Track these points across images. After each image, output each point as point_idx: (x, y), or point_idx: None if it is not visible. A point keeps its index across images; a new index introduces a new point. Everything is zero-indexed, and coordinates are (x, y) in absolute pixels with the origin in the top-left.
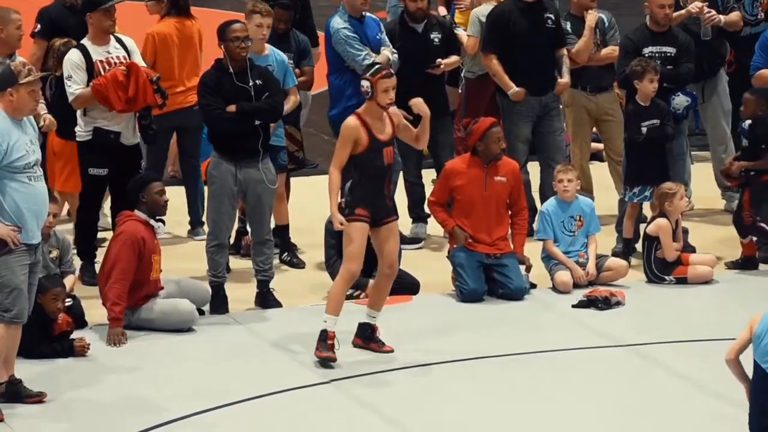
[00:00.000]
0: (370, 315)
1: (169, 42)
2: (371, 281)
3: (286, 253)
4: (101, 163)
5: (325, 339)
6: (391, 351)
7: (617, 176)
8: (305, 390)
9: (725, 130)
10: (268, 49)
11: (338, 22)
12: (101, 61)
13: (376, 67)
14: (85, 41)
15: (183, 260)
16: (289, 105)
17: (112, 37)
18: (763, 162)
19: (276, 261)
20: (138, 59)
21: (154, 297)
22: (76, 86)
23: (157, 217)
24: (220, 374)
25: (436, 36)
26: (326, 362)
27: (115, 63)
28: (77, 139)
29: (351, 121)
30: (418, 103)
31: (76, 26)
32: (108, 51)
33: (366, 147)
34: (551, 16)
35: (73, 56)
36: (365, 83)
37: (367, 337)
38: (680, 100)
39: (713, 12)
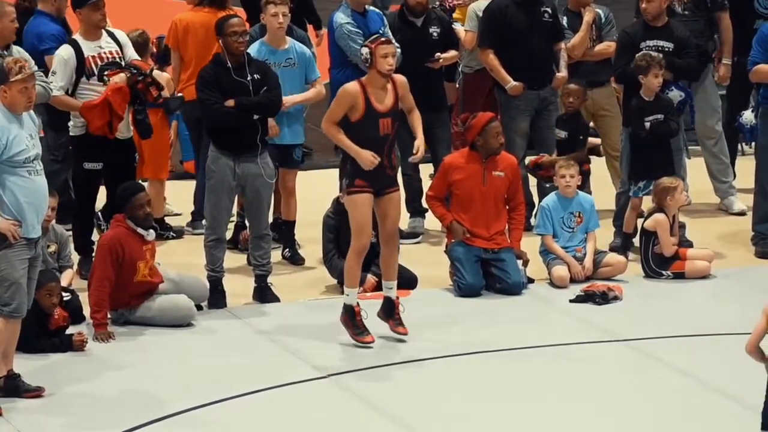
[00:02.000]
0: (387, 287)
1: (191, 30)
2: (369, 275)
3: (287, 249)
4: (96, 157)
5: (353, 317)
6: (405, 333)
7: (614, 171)
8: (303, 385)
9: (713, 125)
10: (289, 42)
11: (341, 17)
12: (93, 57)
13: (375, 35)
14: (76, 37)
15: (181, 255)
16: (311, 95)
17: (104, 31)
18: (578, 154)
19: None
20: (130, 52)
21: (151, 294)
22: (58, 83)
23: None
24: (218, 369)
25: (435, 30)
26: (366, 346)
27: (108, 58)
28: (70, 133)
29: (351, 85)
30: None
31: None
32: (100, 46)
33: (361, 115)
34: (548, 10)
35: (63, 52)
36: (365, 50)
37: (386, 312)
38: (674, 95)
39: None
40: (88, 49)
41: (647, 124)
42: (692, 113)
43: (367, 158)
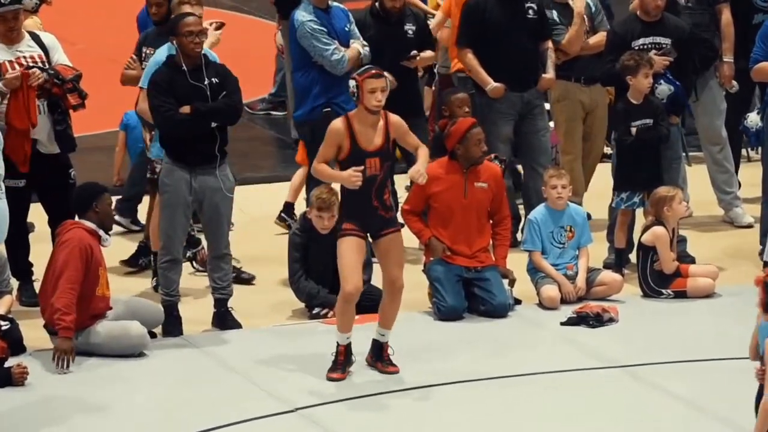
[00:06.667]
0: (380, 333)
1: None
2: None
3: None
4: (17, 173)
5: (337, 353)
6: (396, 372)
7: (588, 175)
8: (268, 419)
9: (719, 129)
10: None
11: (302, 15)
12: (10, 61)
13: (366, 66)
14: None
15: (132, 277)
16: None
17: (27, 35)
18: None
19: None
20: (59, 56)
21: (101, 318)
22: None
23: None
24: (174, 403)
25: (410, 28)
26: (330, 380)
27: (28, 62)
28: None
29: (337, 123)
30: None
31: None
32: (19, 50)
33: (347, 155)
34: (533, 5)
35: None
36: (351, 83)
37: (375, 355)
38: (662, 90)
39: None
40: (6, 54)
41: (634, 130)
42: (688, 108)
43: (348, 178)
